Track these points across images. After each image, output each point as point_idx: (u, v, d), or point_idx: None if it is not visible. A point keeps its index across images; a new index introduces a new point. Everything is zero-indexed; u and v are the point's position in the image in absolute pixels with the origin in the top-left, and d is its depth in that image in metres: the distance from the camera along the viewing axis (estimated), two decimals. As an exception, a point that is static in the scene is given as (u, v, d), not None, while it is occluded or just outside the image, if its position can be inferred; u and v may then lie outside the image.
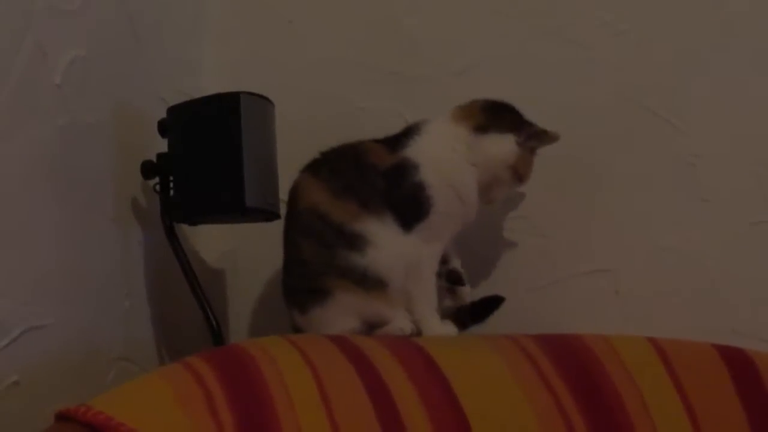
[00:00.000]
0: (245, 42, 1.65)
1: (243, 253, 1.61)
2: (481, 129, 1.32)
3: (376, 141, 1.34)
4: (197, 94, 1.39)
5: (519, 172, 1.32)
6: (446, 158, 1.30)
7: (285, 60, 1.62)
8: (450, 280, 1.37)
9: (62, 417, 0.89)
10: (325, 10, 1.61)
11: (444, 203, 1.28)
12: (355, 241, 1.25)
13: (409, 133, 1.33)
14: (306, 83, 1.59)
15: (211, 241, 1.58)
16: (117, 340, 1.34)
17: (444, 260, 1.35)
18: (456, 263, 1.37)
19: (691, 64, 1.45)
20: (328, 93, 1.58)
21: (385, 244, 1.26)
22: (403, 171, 1.29)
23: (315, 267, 1.26)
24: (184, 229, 1.45)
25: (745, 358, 1.22)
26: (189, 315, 1.41)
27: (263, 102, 1.34)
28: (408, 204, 1.28)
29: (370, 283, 1.25)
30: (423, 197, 1.28)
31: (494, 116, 1.33)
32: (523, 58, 1.51)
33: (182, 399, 0.92)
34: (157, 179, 1.36)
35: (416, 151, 1.30)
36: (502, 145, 1.31)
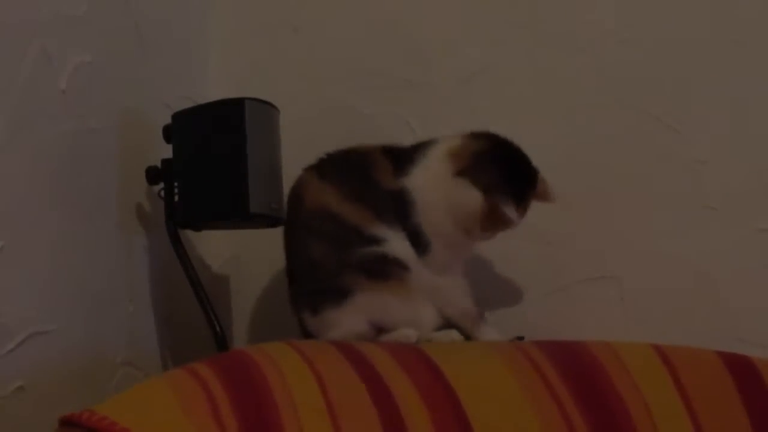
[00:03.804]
0: (250, 48, 1.65)
1: (247, 259, 1.61)
2: (460, 174, 1.27)
3: (384, 151, 1.32)
4: (202, 100, 1.39)
5: (486, 224, 1.28)
6: (434, 201, 1.27)
7: (290, 66, 1.62)
8: None
9: (66, 422, 0.89)
10: (330, 17, 1.61)
11: (439, 242, 1.28)
12: (373, 240, 1.25)
13: (414, 155, 1.30)
14: (311, 90, 1.59)
15: (215, 246, 1.58)
16: (121, 345, 1.34)
17: None
18: None
19: (695, 71, 1.45)
20: (333, 99, 1.58)
21: (403, 244, 1.26)
22: (404, 205, 1.27)
23: (330, 267, 1.26)
24: (189, 235, 1.45)
25: (750, 366, 1.22)
26: (193, 320, 1.41)
27: (268, 108, 1.34)
28: (412, 240, 1.27)
29: (390, 270, 1.24)
30: (422, 238, 1.27)
31: (477, 164, 1.28)
32: (528, 65, 1.51)
33: (186, 404, 0.92)
34: (161, 185, 1.36)
35: (413, 184, 1.28)
36: (469, 196, 1.27)
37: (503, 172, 1.27)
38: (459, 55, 1.54)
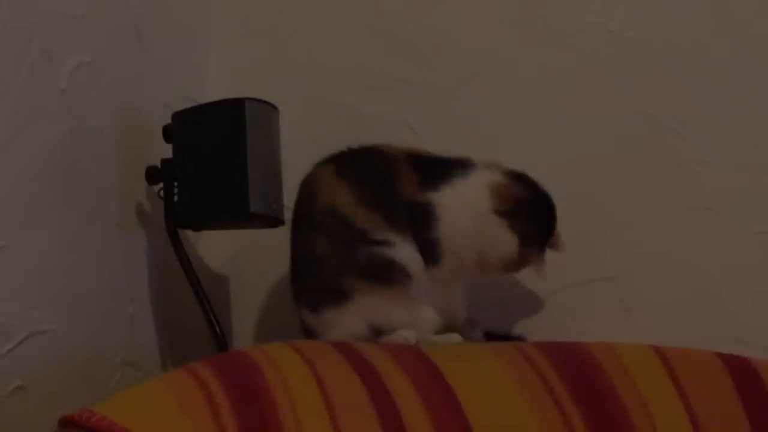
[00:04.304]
0: (250, 48, 1.65)
1: (247, 259, 1.61)
2: (499, 214, 1.29)
3: (410, 159, 1.31)
4: (202, 100, 1.39)
5: (512, 266, 1.32)
6: (462, 228, 1.28)
7: (290, 66, 1.62)
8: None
9: (65, 422, 0.89)
10: (330, 17, 1.61)
11: (451, 264, 1.28)
12: (380, 244, 1.25)
13: (446, 173, 1.30)
14: (311, 90, 1.59)
15: (214, 246, 1.58)
16: (120, 345, 1.34)
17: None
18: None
19: (695, 72, 1.45)
20: (334, 99, 1.58)
21: (410, 250, 1.26)
22: (425, 218, 1.27)
23: (333, 267, 1.26)
24: (188, 235, 1.45)
25: (749, 367, 1.22)
26: (192, 320, 1.41)
27: (268, 108, 1.34)
28: (423, 250, 1.27)
29: (394, 277, 1.24)
30: (437, 252, 1.28)
31: (520, 210, 1.29)
32: (528, 65, 1.51)
33: (185, 405, 0.92)
34: (161, 185, 1.36)
35: (442, 202, 1.28)
36: (504, 238, 1.29)
37: (540, 225, 1.31)
38: (459, 55, 1.54)
